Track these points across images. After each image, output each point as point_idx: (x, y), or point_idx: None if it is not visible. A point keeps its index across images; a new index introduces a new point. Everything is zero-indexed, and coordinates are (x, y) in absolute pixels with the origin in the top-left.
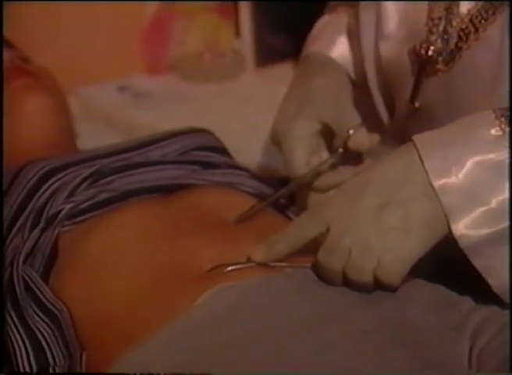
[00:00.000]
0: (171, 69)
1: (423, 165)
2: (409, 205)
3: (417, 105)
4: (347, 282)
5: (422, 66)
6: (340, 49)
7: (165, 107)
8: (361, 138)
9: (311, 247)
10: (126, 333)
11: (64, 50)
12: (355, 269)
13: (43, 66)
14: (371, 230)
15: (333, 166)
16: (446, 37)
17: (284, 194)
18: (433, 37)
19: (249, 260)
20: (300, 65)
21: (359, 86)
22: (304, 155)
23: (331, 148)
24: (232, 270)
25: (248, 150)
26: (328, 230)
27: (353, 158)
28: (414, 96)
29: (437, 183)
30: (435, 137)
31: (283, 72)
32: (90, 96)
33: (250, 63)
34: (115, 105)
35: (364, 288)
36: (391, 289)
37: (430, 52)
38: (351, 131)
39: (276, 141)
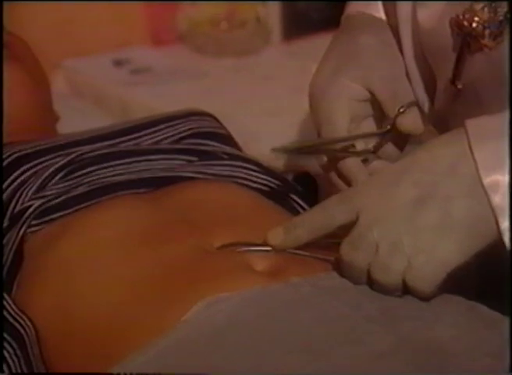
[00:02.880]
0: (179, 40)
1: (473, 156)
2: (451, 202)
3: (459, 86)
4: (372, 282)
5: (465, 40)
6: (382, 13)
7: (170, 85)
8: (414, 118)
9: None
10: (100, 354)
11: (52, 16)
12: (381, 269)
13: (19, 34)
14: (404, 225)
15: (374, 147)
16: (493, 5)
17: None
18: (479, 6)
19: (265, 243)
20: (342, 25)
21: None
22: (345, 118)
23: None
24: (244, 251)
25: (267, 138)
26: (357, 219)
27: (399, 140)
28: (455, 76)
29: (487, 178)
30: (490, 123)
31: (315, 46)
32: (81, 70)
33: (275, 35)
34: (110, 82)
35: (391, 292)
36: (422, 297)
37: (474, 24)
38: (402, 109)
39: (313, 104)
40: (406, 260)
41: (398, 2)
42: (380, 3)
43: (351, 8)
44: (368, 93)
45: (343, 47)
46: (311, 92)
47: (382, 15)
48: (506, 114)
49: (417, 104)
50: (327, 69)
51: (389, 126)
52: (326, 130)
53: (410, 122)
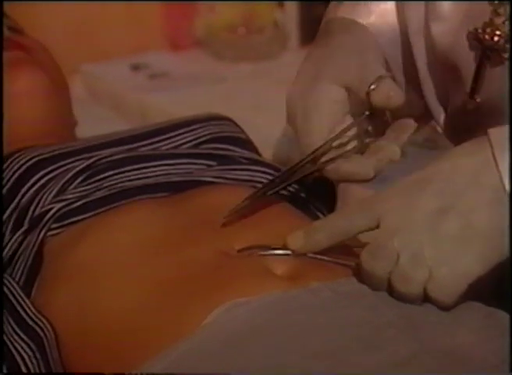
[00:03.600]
0: (197, 46)
1: (496, 166)
2: (473, 213)
3: (478, 99)
4: (392, 291)
5: (485, 54)
6: (372, 18)
7: (188, 90)
8: (387, 90)
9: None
10: (119, 358)
11: (69, 20)
12: (402, 279)
13: (37, 38)
14: (426, 236)
15: (359, 147)
16: None
17: (292, 177)
18: (500, 20)
19: (285, 247)
20: (320, 30)
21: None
22: (324, 126)
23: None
24: (263, 255)
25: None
26: (377, 226)
27: (383, 123)
28: (474, 89)
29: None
30: None
31: None
32: (98, 75)
33: (293, 40)
34: (127, 87)
35: (411, 301)
36: (443, 308)
37: (496, 38)
38: (373, 86)
39: (291, 116)
40: (427, 271)
41: (408, 14)
42: (369, 10)
43: (332, 13)
44: (345, 91)
45: (319, 51)
46: (288, 102)
47: (368, 21)
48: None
49: (391, 77)
50: (304, 77)
51: (367, 112)
52: (304, 144)
53: (383, 95)
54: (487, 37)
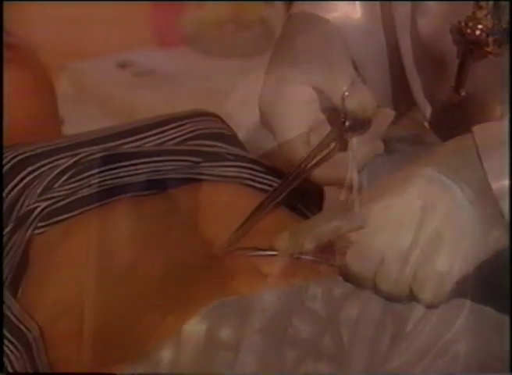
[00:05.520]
0: (184, 42)
1: (481, 163)
2: (459, 211)
3: (462, 93)
4: (378, 291)
5: (468, 47)
6: (336, 14)
7: (175, 88)
8: (362, 97)
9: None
10: (105, 358)
11: (56, 18)
12: (387, 280)
13: (23, 37)
14: (410, 236)
15: (341, 145)
16: (497, 11)
17: (281, 194)
18: (482, 13)
19: (272, 248)
20: (283, 27)
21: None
22: (301, 130)
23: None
24: (252, 256)
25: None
26: (362, 226)
27: (361, 127)
28: (458, 83)
29: (496, 185)
30: (497, 129)
31: None
32: (85, 73)
33: None
34: (114, 85)
35: (397, 301)
36: (430, 307)
37: (478, 32)
38: (347, 93)
39: (266, 121)
40: (412, 271)
41: (394, 9)
42: (331, 7)
43: (295, 8)
44: (314, 91)
45: (284, 53)
46: (261, 107)
47: (332, 15)
48: (506, 122)
49: (362, 81)
50: (273, 80)
51: (342, 119)
52: (283, 151)
53: (358, 102)
54: (469, 30)
